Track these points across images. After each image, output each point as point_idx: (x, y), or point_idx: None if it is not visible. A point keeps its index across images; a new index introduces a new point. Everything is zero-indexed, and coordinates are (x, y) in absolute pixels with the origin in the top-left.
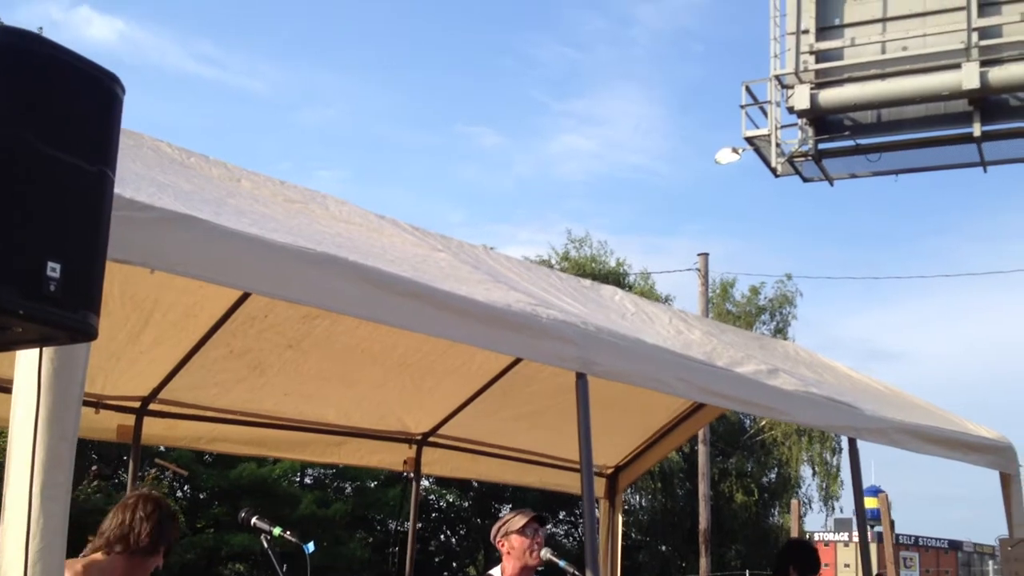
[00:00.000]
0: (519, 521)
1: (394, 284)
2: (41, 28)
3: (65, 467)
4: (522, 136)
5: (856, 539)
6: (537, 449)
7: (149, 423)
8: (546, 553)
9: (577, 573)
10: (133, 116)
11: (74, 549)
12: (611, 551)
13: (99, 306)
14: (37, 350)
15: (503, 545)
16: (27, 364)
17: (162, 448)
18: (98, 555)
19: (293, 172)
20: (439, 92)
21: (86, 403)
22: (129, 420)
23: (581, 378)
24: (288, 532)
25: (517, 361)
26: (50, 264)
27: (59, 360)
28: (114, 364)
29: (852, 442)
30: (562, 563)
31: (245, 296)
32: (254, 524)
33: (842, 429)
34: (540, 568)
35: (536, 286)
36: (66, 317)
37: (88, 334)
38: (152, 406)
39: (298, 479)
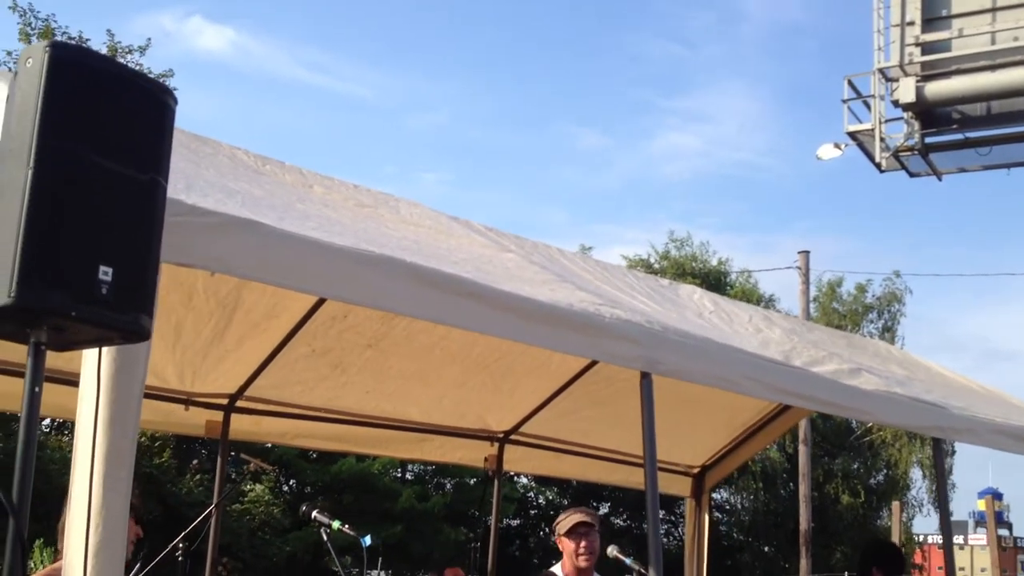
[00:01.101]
0: (567, 524)
1: (453, 284)
2: (149, 40)
3: (126, 462)
4: (625, 135)
5: (972, 543)
6: (622, 448)
7: (236, 419)
8: (612, 550)
9: (643, 571)
10: (243, 123)
11: (165, 541)
12: (697, 550)
13: (152, 308)
14: (97, 349)
15: (560, 543)
16: (91, 362)
17: (269, 444)
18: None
19: (397, 176)
20: (541, 93)
21: (176, 400)
22: (217, 416)
23: (645, 377)
24: (347, 526)
25: (596, 362)
26: (102, 268)
27: (120, 359)
28: (201, 361)
29: (937, 442)
30: (628, 560)
31: (323, 298)
32: (314, 518)
33: (928, 429)
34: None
35: (608, 285)
36: (118, 319)
37: (140, 335)
38: (239, 403)
39: (399, 474)
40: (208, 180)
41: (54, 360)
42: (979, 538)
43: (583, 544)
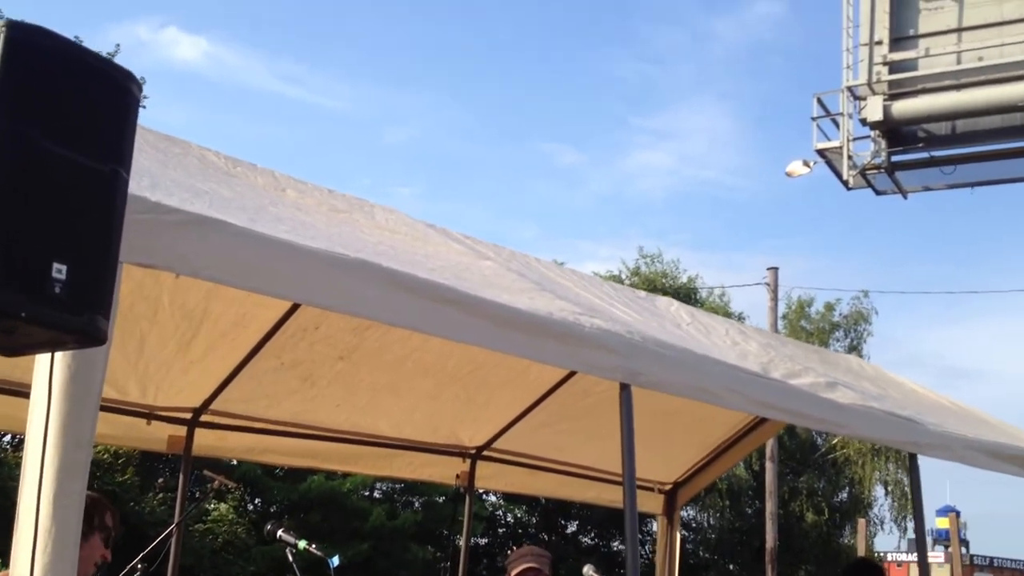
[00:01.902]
0: (518, 566)
1: (430, 290)
2: (118, 46)
3: (80, 475)
4: (599, 152)
5: (930, 560)
6: (596, 464)
7: (200, 434)
8: (589, 570)
9: None
10: (217, 133)
11: (127, 562)
12: (668, 568)
13: (109, 309)
14: (50, 354)
15: None
16: (43, 368)
17: (234, 462)
18: None
19: (372, 189)
20: (516, 109)
21: (137, 414)
22: (180, 431)
23: (625, 389)
24: (313, 545)
25: (572, 374)
26: (56, 265)
27: (76, 366)
28: (164, 375)
29: (912, 458)
30: None
31: (295, 308)
32: (280, 537)
33: (903, 444)
34: None
35: (587, 295)
36: (72, 321)
37: (96, 338)
38: (203, 417)
39: (367, 493)
40: (175, 179)
41: (9, 369)
42: (936, 555)
43: None
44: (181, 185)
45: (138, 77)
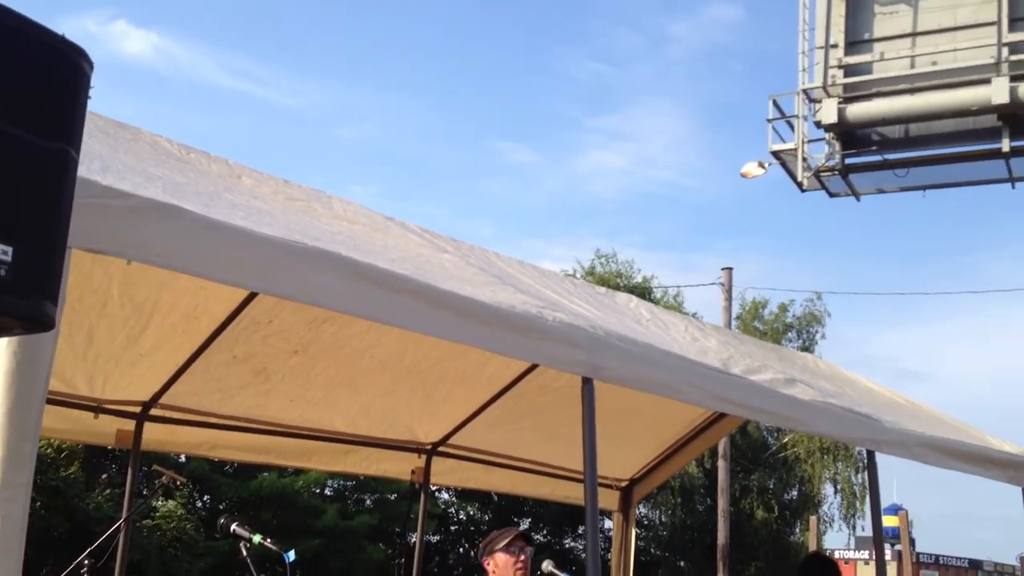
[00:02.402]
0: (504, 539)
1: (389, 280)
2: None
3: (26, 467)
4: (554, 152)
5: None
6: (551, 461)
7: (149, 428)
8: (547, 566)
9: None
10: (167, 128)
11: (72, 558)
12: (624, 565)
13: (57, 294)
14: None
15: (488, 563)
16: None
17: (182, 458)
18: None
19: (325, 187)
20: (472, 109)
21: (84, 407)
22: (129, 425)
23: (587, 383)
24: (268, 540)
25: (530, 369)
26: (1, 247)
27: (22, 354)
28: (113, 367)
29: (871, 455)
30: None
31: (248, 300)
32: (234, 531)
33: (861, 441)
34: None
35: (548, 290)
36: (18, 305)
37: (44, 324)
38: (153, 411)
39: (318, 491)
40: (127, 164)
41: None
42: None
43: (522, 559)
44: (133, 169)
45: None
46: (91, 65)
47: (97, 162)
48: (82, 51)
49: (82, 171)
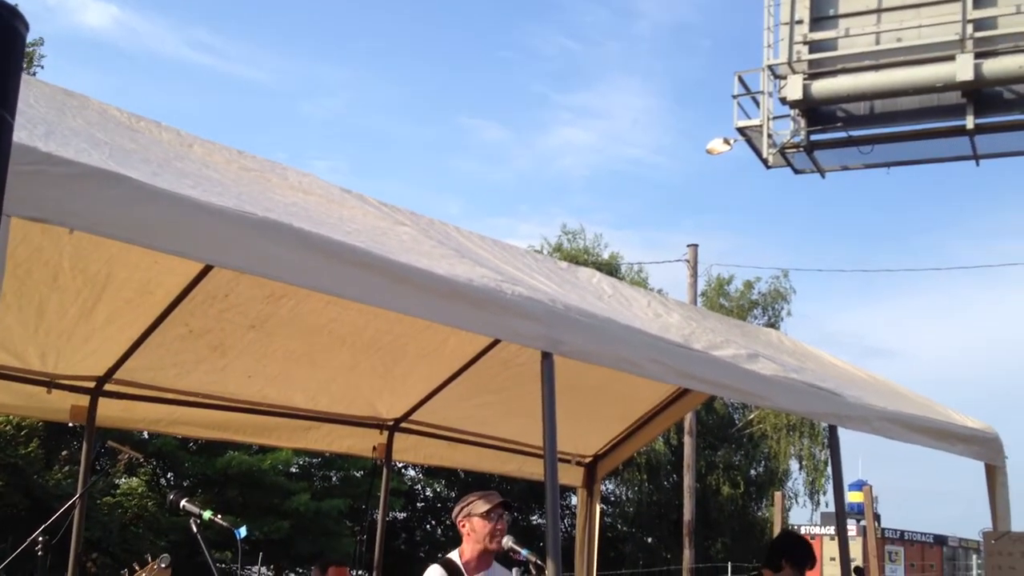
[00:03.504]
0: (484, 505)
1: (345, 253)
2: (17, 5)
3: None
4: (523, 129)
5: None
6: (516, 437)
7: (104, 404)
8: (508, 542)
9: (540, 563)
10: (126, 102)
11: (29, 534)
12: (588, 541)
13: None
14: None
15: (464, 526)
16: None
17: (145, 435)
18: None
19: (288, 162)
20: (439, 84)
21: (37, 382)
22: (83, 401)
23: (547, 358)
24: (219, 516)
25: (492, 345)
26: None
27: None
28: (66, 342)
29: (832, 430)
30: (524, 552)
31: (203, 274)
32: (183, 507)
33: (823, 416)
34: (499, 553)
35: (508, 264)
36: None
37: None
38: (108, 387)
39: (283, 468)
40: (72, 128)
41: None
42: (849, 529)
43: (499, 526)
44: (79, 135)
45: (36, 38)
46: (26, 26)
47: (41, 127)
48: (16, 11)
49: (24, 137)
